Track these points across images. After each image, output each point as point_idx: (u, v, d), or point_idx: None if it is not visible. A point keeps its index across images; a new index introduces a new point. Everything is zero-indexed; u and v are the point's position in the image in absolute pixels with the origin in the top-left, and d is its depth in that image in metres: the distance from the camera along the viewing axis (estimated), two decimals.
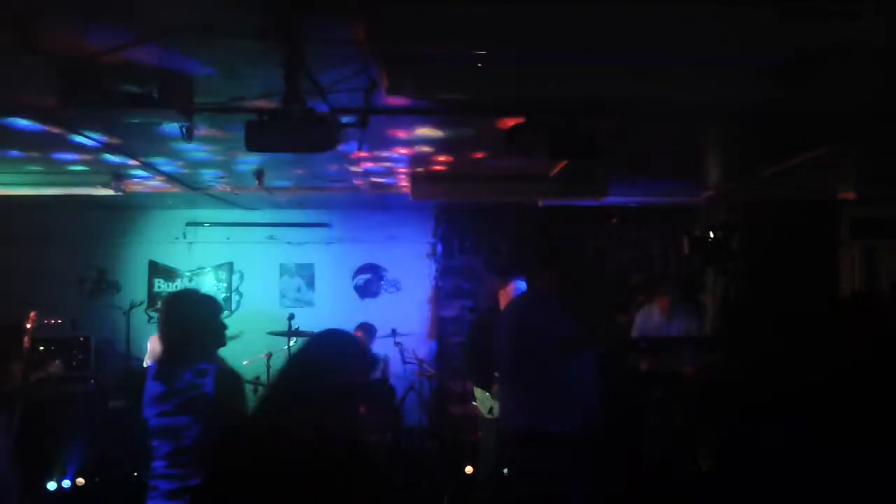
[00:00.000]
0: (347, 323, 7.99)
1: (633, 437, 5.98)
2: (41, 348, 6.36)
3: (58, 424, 6.29)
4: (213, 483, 2.49)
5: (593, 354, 4.39)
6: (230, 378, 3.54)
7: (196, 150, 5.26)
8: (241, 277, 8.83)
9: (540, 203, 7.58)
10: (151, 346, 6.21)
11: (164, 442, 3.35)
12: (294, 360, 2.64)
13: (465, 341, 7.49)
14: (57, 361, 5.87)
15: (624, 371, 6.66)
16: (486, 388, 6.17)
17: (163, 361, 3.48)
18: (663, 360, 6.75)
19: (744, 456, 5.05)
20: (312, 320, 7.59)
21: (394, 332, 7.88)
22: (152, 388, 3.40)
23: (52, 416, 6.21)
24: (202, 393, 3.35)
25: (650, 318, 7.21)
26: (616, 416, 5.35)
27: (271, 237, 8.78)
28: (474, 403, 6.60)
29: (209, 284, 8.72)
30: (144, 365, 6.69)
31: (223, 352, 3.60)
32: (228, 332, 3.59)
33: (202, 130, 4.58)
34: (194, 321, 3.48)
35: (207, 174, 6.30)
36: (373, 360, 7.75)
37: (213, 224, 8.69)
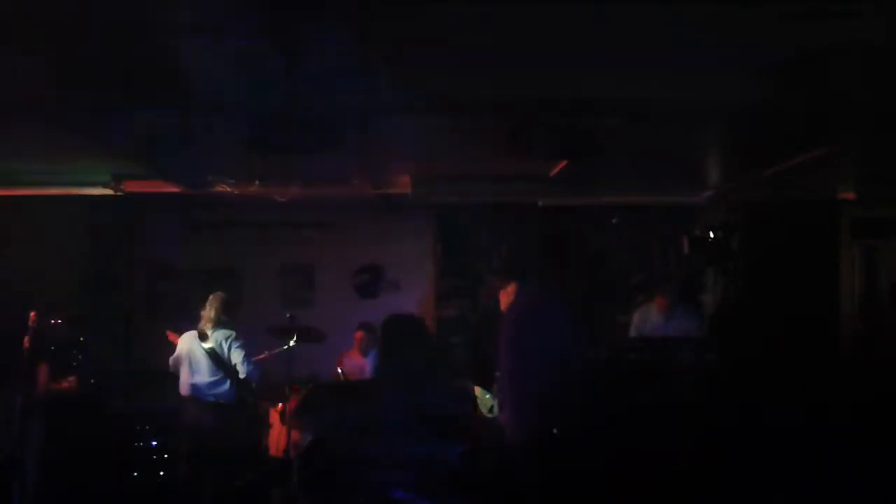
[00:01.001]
0: (347, 323, 7.99)
1: (632, 437, 5.98)
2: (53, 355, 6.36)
3: (57, 425, 6.28)
4: None
5: (593, 353, 4.40)
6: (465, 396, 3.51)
7: (196, 150, 5.26)
8: (241, 277, 8.82)
9: (540, 203, 7.58)
10: (180, 344, 6.20)
11: (410, 472, 3.22)
12: None
13: (466, 341, 7.48)
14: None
15: (623, 371, 6.66)
16: (486, 387, 6.17)
17: (396, 392, 3.34)
18: (662, 361, 6.75)
19: (743, 455, 5.05)
20: (312, 320, 7.60)
21: None
22: (394, 419, 3.26)
23: (52, 417, 6.21)
24: (444, 416, 3.29)
25: (648, 317, 7.21)
26: (615, 415, 5.35)
27: (271, 237, 8.77)
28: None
29: (209, 285, 8.70)
30: (171, 365, 6.53)
31: None
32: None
33: (202, 130, 4.59)
34: (420, 346, 3.45)
35: (207, 174, 6.31)
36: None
37: (213, 224, 8.69)
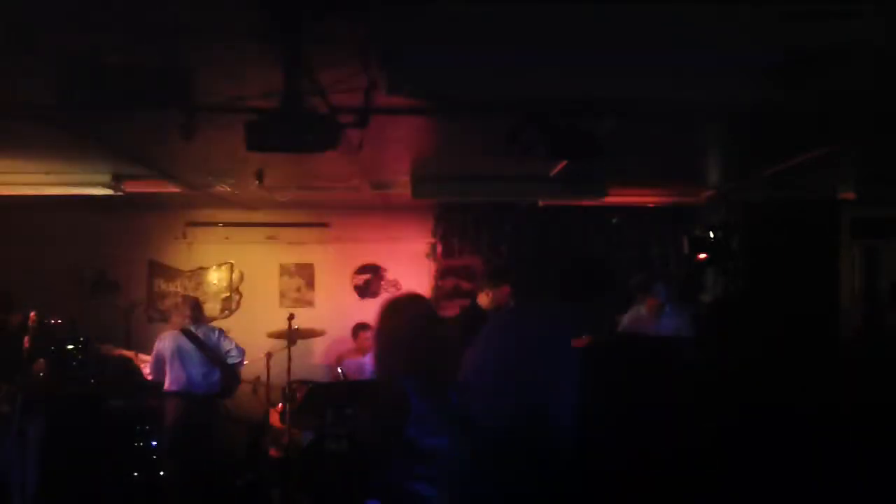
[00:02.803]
0: (347, 323, 8.00)
1: (631, 436, 5.97)
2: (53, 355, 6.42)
3: (58, 425, 6.28)
4: None
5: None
6: None
7: (196, 150, 5.25)
8: (241, 277, 8.83)
9: (540, 203, 7.57)
10: (160, 346, 6.61)
11: (431, 464, 3.17)
12: None
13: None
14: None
15: (621, 371, 6.65)
16: None
17: (425, 380, 3.26)
18: (661, 360, 6.74)
19: (743, 455, 5.05)
20: (312, 320, 7.60)
21: None
22: (418, 406, 3.16)
23: (53, 417, 6.21)
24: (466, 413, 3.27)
25: (638, 316, 7.20)
26: (614, 415, 5.33)
27: (271, 237, 8.78)
28: None
29: (209, 284, 8.73)
30: (143, 365, 6.76)
31: None
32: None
33: (202, 130, 4.58)
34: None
35: (207, 174, 6.30)
36: None
37: (213, 224, 8.69)
